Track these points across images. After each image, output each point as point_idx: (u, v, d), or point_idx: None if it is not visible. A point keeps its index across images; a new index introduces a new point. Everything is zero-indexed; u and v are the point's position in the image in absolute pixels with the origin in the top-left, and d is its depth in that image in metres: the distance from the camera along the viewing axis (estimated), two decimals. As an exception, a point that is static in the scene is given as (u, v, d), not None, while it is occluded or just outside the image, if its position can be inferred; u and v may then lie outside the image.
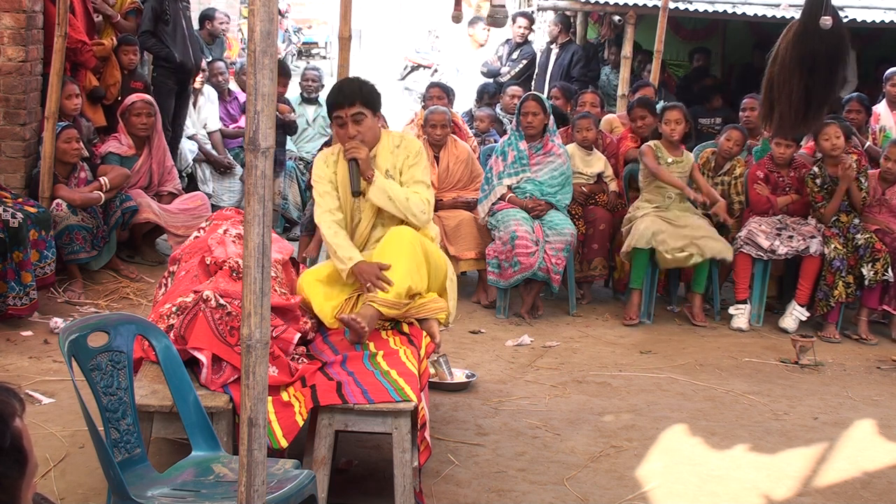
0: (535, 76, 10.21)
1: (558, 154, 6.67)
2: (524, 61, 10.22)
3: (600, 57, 10.76)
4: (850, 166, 6.37)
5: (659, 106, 6.76)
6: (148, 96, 7.22)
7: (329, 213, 4.23)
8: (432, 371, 4.96)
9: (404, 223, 4.22)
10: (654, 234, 6.41)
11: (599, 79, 10.42)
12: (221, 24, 10.28)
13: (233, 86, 9.28)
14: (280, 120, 7.78)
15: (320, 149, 5.88)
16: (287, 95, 8.93)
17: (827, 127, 6.44)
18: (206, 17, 10.32)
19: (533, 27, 10.77)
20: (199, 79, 8.44)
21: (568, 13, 10.67)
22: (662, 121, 6.64)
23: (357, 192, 4.19)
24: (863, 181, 6.57)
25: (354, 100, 4.16)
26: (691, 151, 6.99)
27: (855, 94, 7.58)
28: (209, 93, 8.67)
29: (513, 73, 10.08)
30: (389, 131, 4.43)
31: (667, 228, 6.44)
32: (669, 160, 6.61)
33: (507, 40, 10.53)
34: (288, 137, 8.63)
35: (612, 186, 7.08)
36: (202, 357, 3.60)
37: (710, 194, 6.60)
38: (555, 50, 10.18)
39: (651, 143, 6.68)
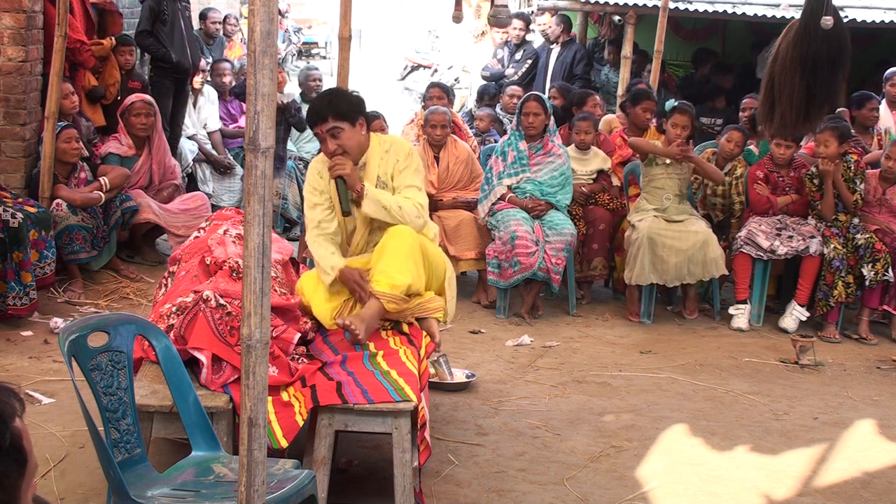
0: (535, 76, 10.22)
1: (558, 154, 6.68)
2: (529, 61, 10.23)
3: (598, 57, 10.76)
4: (826, 161, 6.38)
5: (668, 105, 6.67)
6: (147, 96, 7.22)
7: (316, 228, 4.19)
8: (432, 371, 4.97)
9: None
10: (651, 243, 6.42)
11: (596, 78, 10.42)
12: (214, 23, 10.29)
13: None
14: (279, 105, 7.71)
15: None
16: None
17: (821, 133, 6.43)
18: (201, 16, 10.37)
19: (530, 27, 10.78)
20: (198, 79, 8.44)
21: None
22: (669, 121, 6.61)
23: (347, 213, 4.18)
24: (857, 183, 6.57)
25: (326, 115, 4.09)
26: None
27: (870, 92, 7.57)
28: (209, 93, 8.67)
29: (520, 73, 10.07)
30: (379, 135, 4.38)
31: (664, 251, 6.43)
32: (668, 161, 6.60)
33: (506, 42, 10.53)
34: (289, 138, 8.63)
35: (615, 179, 7.10)
36: (202, 357, 3.60)
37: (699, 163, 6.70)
38: (556, 49, 10.18)
39: (651, 141, 6.68)
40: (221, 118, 8.77)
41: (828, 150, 6.41)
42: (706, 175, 6.77)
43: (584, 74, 10.02)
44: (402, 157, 4.24)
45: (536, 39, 11.01)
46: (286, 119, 8.20)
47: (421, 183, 4.28)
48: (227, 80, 8.85)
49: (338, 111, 4.10)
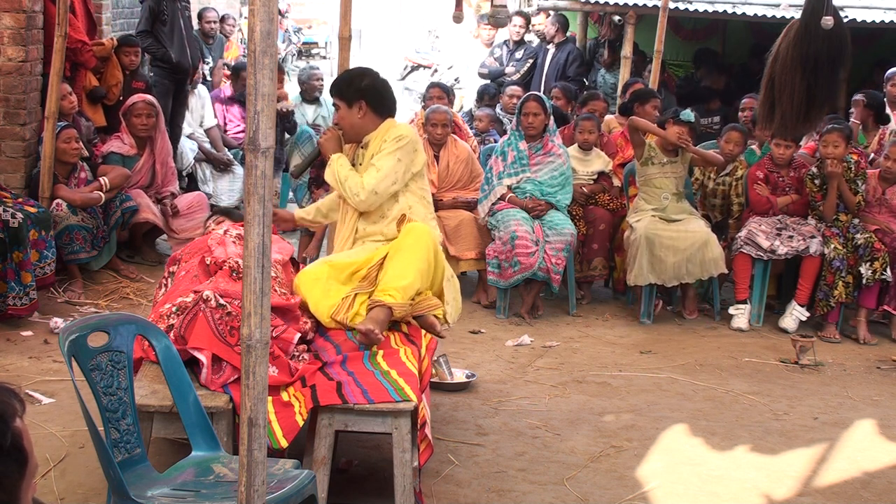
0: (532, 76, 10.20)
1: (558, 154, 6.68)
2: (530, 61, 10.19)
3: (598, 56, 10.74)
4: (834, 163, 6.37)
5: (684, 115, 6.63)
6: (149, 97, 7.21)
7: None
8: (432, 371, 4.96)
9: (398, 219, 4.24)
10: (649, 242, 6.42)
11: (592, 79, 10.39)
12: (209, 22, 10.30)
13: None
14: (279, 112, 7.76)
15: None
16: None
17: (829, 133, 6.43)
18: (198, 16, 10.37)
19: (529, 27, 10.76)
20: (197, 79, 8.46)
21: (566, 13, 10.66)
22: (674, 125, 6.59)
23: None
24: (859, 184, 6.57)
25: (332, 91, 4.46)
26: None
27: (860, 94, 7.56)
28: (200, 91, 8.70)
29: (521, 72, 10.04)
30: (394, 122, 4.44)
31: (661, 251, 6.42)
32: (664, 160, 6.61)
33: (504, 41, 10.51)
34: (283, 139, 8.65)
35: (616, 180, 7.11)
36: (202, 357, 3.60)
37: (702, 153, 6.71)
38: (551, 49, 10.15)
39: (647, 141, 6.70)
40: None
41: (837, 151, 6.41)
42: (707, 162, 6.77)
43: (576, 76, 9.98)
44: (388, 140, 4.32)
45: (533, 39, 10.99)
46: (282, 123, 8.24)
47: (389, 167, 4.26)
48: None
49: (339, 90, 4.40)
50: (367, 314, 3.94)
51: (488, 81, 9.88)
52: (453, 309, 4.35)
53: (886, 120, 7.44)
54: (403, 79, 20.50)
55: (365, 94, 4.32)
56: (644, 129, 6.64)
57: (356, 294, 4.05)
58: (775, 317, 6.70)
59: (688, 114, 6.59)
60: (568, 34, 10.61)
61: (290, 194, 8.65)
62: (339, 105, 4.38)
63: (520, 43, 10.33)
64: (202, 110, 8.63)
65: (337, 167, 4.36)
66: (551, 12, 10.54)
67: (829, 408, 5.24)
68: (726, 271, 6.59)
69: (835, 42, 5.71)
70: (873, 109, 7.43)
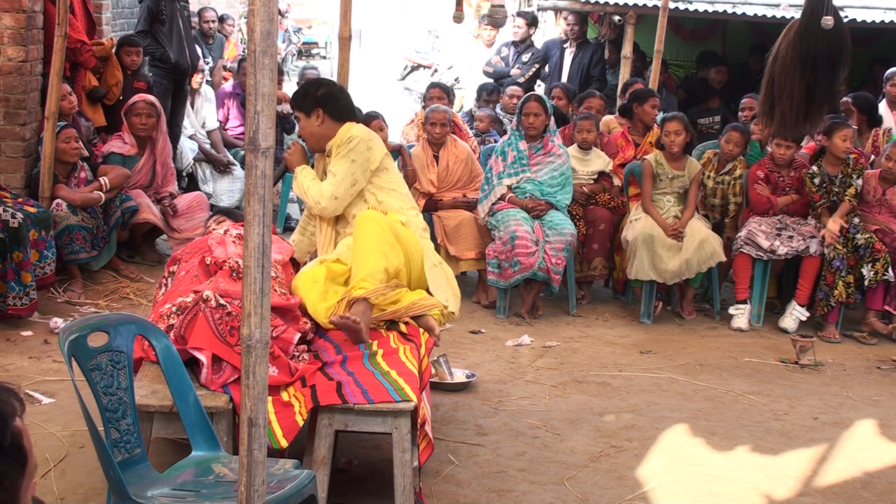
0: (549, 76, 10.12)
1: (558, 154, 6.68)
2: (536, 65, 10.14)
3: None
4: (830, 234, 6.38)
5: (659, 117, 6.74)
6: (151, 97, 7.20)
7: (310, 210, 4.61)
8: (432, 371, 4.96)
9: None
10: (648, 242, 6.43)
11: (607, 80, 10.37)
12: (207, 22, 10.30)
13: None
14: (277, 113, 7.77)
15: None
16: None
17: (843, 129, 6.44)
18: (197, 15, 10.38)
19: (531, 28, 10.70)
20: (197, 78, 8.45)
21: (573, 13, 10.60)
22: (662, 132, 6.64)
23: None
24: (854, 178, 6.57)
25: (291, 104, 4.58)
26: (691, 153, 6.98)
27: (849, 99, 7.56)
28: (206, 92, 8.69)
29: (527, 76, 9.98)
30: (353, 126, 4.45)
31: (662, 250, 6.43)
32: (671, 175, 6.61)
33: (512, 41, 10.47)
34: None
35: (616, 179, 7.11)
36: (202, 357, 3.60)
37: (682, 224, 6.56)
38: (570, 50, 10.07)
39: (652, 156, 6.66)
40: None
41: (846, 145, 6.43)
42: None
43: (601, 76, 9.92)
44: (342, 144, 4.36)
45: (539, 39, 10.93)
46: (281, 124, 8.27)
47: (345, 170, 4.32)
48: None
49: (297, 102, 4.50)
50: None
51: (491, 81, 9.83)
52: (449, 295, 4.29)
53: (879, 122, 7.44)
54: (403, 79, 20.52)
55: (321, 101, 4.40)
56: (653, 219, 6.60)
57: (352, 295, 4.06)
58: (775, 317, 6.70)
59: (660, 116, 6.80)
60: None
61: (291, 194, 8.66)
62: (299, 116, 4.48)
63: (528, 45, 10.26)
64: (205, 111, 8.64)
65: (301, 179, 4.49)
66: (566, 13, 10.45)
67: (829, 408, 5.24)
68: (724, 258, 6.58)
69: (835, 42, 5.71)
70: (865, 113, 7.44)
